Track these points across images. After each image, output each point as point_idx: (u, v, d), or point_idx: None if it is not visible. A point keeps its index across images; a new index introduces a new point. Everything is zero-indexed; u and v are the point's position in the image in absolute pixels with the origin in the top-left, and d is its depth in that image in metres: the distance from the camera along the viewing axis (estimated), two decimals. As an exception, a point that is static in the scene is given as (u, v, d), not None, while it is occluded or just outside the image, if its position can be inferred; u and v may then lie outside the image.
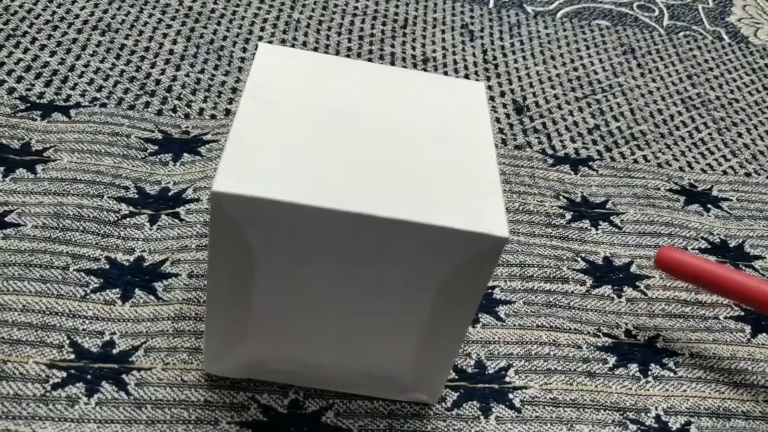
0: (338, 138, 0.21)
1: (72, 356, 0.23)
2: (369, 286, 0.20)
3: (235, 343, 0.22)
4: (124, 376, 0.23)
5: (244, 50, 0.38)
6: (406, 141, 0.21)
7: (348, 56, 0.40)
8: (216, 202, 0.18)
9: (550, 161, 0.35)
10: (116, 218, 0.28)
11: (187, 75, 0.36)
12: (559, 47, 0.44)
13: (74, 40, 0.37)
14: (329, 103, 0.22)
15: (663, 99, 0.41)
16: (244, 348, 0.22)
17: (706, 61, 0.45)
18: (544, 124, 0.37)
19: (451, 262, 0.19)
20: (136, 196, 0.29)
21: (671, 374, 0.27)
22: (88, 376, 0.23)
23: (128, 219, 0.28)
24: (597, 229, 0.32)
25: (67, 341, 0.24)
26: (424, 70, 0.40)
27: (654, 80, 0.42)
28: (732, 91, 0.43)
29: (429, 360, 0.22)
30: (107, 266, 0.26)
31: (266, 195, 0.18)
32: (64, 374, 0.23)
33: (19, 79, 0.34)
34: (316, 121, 0.21)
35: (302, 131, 0.21)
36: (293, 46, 0.40)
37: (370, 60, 0.40)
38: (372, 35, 0.42)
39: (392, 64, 0.40)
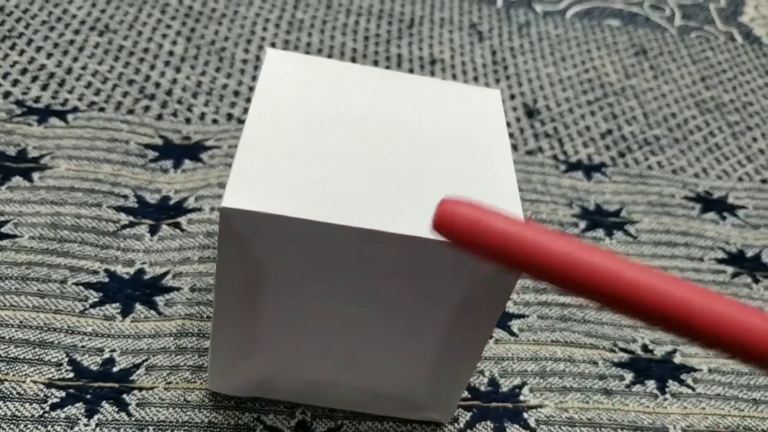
0: (351, 149, 0.20)
1: (71, 375, 0.23)
2: (382, 304, 0.19)
3: (241, 360, 0.21)
4: (125, 395, 0.22)
5: (246, 51, 0.37)
6: (421, 152, 0.20)
7: (353, 57, 0.39)
8: (225, 219, 0.17)
9: (563, 167, 0.34)
10: (115, 228, 0.27)
11: (187, 78, 0.35)
12: (570, 48, 0.42)
13: (71, 42, 0.36)
14: (341, 112, 0.21)
15: (676, 102, 0.40)
16: (250, 366, 0.21)
17: (719, 62, 0.44)
18: (555, 128, 0.36)
19: (468, 281, 0.19)
20: (136, 205, 0.28)
21: (689, 391, 0.26)
22: (88, 396, 0.22)
23: (128, 229, 0.27)
24: (611, 239, 0.31)
25: (66, 359, 0.23)
26: (432, 72, 0.39)
27: (667, 83, 0.41)
28: (746, 94, 0.42)
29: (443, 379, 0.21)
30: (106, 279, 0.25)
31: (277, 211, 0.17)
32: (63, 394, 0.22)
33: (15, 83, 0.33)
34: (328, 132, 0.20)
35: (314, 142, 0.20)
36: (297, 47, 0.39)
37: (376, 62, 0.39)
38: (378, 35, 0.40)
39: (399, 65, 0.39)
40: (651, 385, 0.26)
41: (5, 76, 0.33)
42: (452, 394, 0.22)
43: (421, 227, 0.18)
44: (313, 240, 0.18)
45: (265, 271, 0.19)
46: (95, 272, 0.26)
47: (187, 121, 0.33)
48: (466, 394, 0.24)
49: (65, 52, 0.35)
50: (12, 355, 0.23)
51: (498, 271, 0.18)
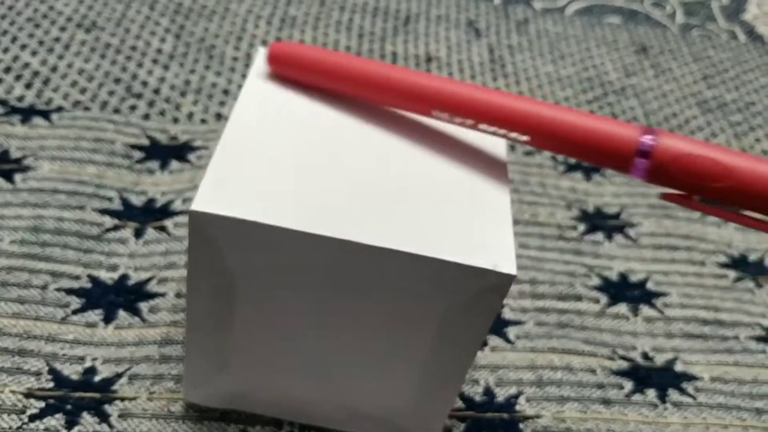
0: (336, 159, 0.19)
1: (51, 384, 0.22)
2: (360, 320, 0.18)
3: (217, 371, 0.20)
4: (106, 406, 0.22)
5: (237, 49, 0.37)
6: (411, 166, 0.19)
7: (347, 55, 0.38)
8: (194, 222, 0.17)
9: (562, 168, 0.33)
10: (99, 232, 0.26)
11: (176, 76, 0.34)
12: (569, 46, 0.42)
13: (57, 39, 0.35)
14: (330, 118, 0.20)
15: (677, 101, 0.39)
16: (225, 377, 0.21)
17: (721, 61, 0.43)
18: (553, 128, 0.36)
19: (450, 299, 0.18)
20: (121, 207, 0.27)
21: (690, 400, 0.25)
22: (68, 407, 0.21)
23: (112, 233, 0.26)
24: (611, 242, 0.30)
25: (46, 368, 0.22)
26: (428, 69, 0.38)
27: (668, 81, 0.40)
28: (749, 94, 0.41)
29: (426, 401, 0.20)
30: (89, 285, 0.25)
31: (249, 217, 0.17)
32: (43, 404, 0.21)
33: (-2, 81, 0.32)
34: (314, 137, 0.19)
35: (297, 149, 0.19)
36: (289, 44, 0.38)
37: (370, 59, 0.38)
38: (372, 33, 0.40)
39: (394, 63, 0.38)
40: (651, 394, 0.25)
41: (-12, 74, 0.32)
42: (436, 417, 0.21)
43: (404, 241, 0.17)
44: (287, 250, 0.17)
45: (238, 281, 0.18)
46: (77, 277, 0.25)
47: (175, 120, 0.32)
48: (460, 404, 0.23)
49: (50, 50, 0.34)
50: (-11, 365, 0.22)
51: (481, 290, 0.17)
